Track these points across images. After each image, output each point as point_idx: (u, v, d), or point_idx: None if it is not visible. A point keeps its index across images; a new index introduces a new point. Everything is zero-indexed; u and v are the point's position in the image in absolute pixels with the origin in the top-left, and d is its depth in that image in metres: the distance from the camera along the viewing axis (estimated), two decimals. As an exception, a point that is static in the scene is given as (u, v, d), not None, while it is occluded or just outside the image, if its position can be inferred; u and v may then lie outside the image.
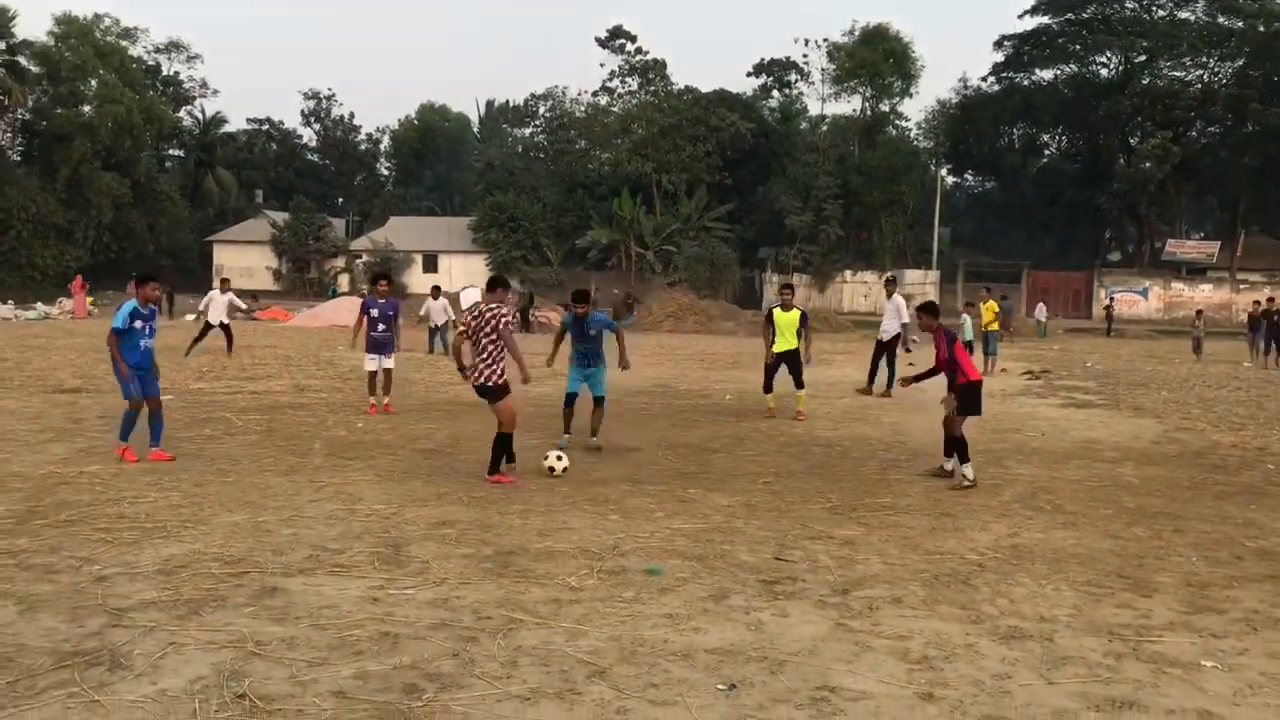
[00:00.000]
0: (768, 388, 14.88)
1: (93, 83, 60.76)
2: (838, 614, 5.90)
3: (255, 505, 8.31)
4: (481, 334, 9.37)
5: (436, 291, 26.17)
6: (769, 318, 14.85)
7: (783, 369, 14.67)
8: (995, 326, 24.36)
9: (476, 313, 9.52)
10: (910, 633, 5.60)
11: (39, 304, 43.99)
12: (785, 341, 14.63)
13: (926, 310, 10.78)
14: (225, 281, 25.16)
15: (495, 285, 9.83)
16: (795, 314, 14.69)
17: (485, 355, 9.37)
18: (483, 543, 7.27)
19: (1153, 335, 46.08)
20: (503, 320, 9.33)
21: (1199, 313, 33.78)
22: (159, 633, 5.31)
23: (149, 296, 10.43)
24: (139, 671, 4.79)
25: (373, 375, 14.22)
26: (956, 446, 10.00)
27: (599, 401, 11.67)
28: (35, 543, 6.95)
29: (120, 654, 4.99)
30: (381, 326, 14.17)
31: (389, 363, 14.27)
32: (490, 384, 9.39)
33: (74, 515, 7.76)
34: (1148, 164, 57.64)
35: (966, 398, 10.10)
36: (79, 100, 60.82)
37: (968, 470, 9.86)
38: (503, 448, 9.53)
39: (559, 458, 9.78)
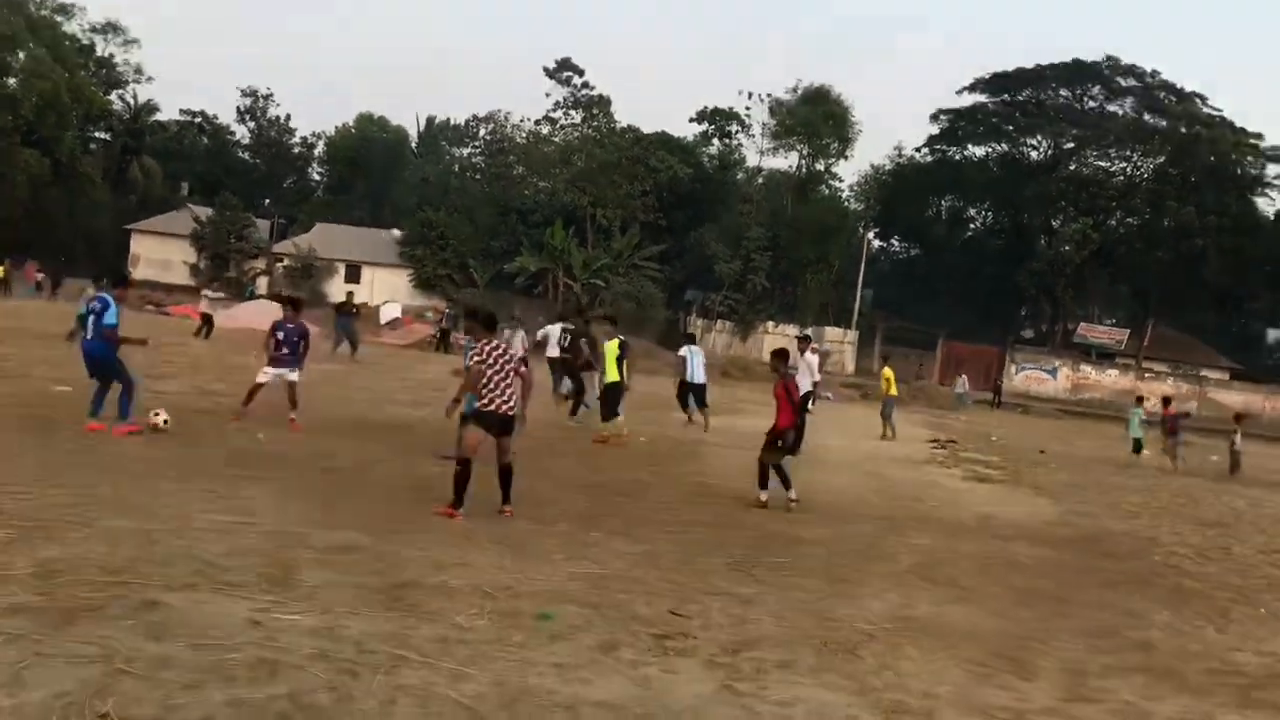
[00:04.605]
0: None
1: (20, 55, 59.10)
2: (725, 675, 5.89)
3: (145, 512, 8.06)
4: (508, 368, 9.62)
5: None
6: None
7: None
8: (894, 392, 24.59)
9: (497, 347, 9.76)
10: (795, 699, 5.61)
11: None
12: (611, 372, 16.47)
13: (777, 356, 12.66)
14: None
15: (494, 323, 10.24)
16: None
17: (510, 388, 9.65)
18: (376, 572, 7.14)
19: (1059, 415, 47.28)
20: (521, 359, 10.02)
21: (1238, 418, 25.25)
22: (24, 641, 5.11)
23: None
24: (-1, 682, 4.60)
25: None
26: (762, 472, 11.91)
27: None
28: (-96, 534, 6.67)
29: (-20, 662, 4.79)
30: (285, 350, 14.34)
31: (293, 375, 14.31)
32: (514, 415, 9.71)
33: (-51, 508, 7.46)
34: (1067, 247, 59.41)
35: (782, 438, 11.99)
36: (4, 71, 59.10)
37: (763, 495, 11.89)
38: (508, 481, 9.80)
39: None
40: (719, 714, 5.27)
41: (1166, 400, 27.30)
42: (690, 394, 20.06)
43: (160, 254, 63.08)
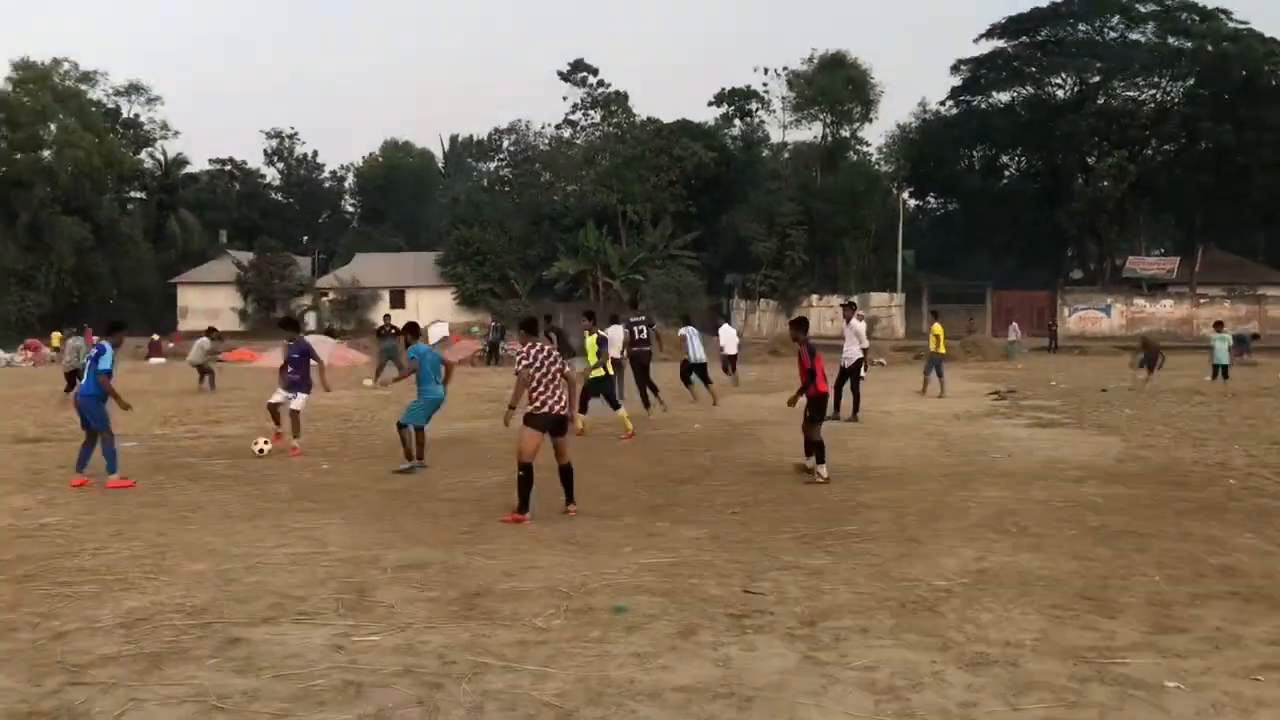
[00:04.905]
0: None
1: (51, 127, 60.47)
2: (805, 646, 5.89)
3: (219, 553, 8.21)
4: (554, 370, 9.65)
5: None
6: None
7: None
8: (943, 349, 24.31)
9: (541, 349, 9.75)
10: (877, 663, 5.60)
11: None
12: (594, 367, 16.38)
13: (796, 325, 12.62)
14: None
15: (536, 326, 10.35)
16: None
17: (560, 389, 9.65)
18: (449, 585, 7.22)
19: (1117, 351, 46.43)
20: (564, 360, 9.94)
21: None
22: (119, 689, 5.23)
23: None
24: (98, 731, 4.71)
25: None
26: (815, 449, 11.75)
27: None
28: (-8, 600, 6.85)
29: (79, 713, 4.92)
30: (290, 368, 14.76)
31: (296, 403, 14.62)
32: (566, 415, 9.75)
33: (33, 570, 7.65)
34: (1105, 183, 58.42)
35: (816, 406, 11.88)
36: (38, 145, 60.54)
37: (822, 469, 11.63)
38: (570, 480, 9.92)
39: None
40: (803, 685, 5.27)
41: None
42: (693, 372, 21.16)
43: (207, 303, 64.13)
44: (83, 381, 11.74)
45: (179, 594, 6.99)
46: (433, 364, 13.06)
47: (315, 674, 5.45)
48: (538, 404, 9.56)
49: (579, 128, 65.74)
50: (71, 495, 10.97)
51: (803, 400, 12.04)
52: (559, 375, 9.67)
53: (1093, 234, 64.34)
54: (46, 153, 60.59)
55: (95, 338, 52.82)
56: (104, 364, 11.47)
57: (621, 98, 63.99)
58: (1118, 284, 61.65)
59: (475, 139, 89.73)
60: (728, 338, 27.30)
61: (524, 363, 9.70)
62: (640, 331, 19.82)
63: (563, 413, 9.65)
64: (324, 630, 6.20)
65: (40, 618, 6.45)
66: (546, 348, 9.83)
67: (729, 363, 26.79)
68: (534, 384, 9.58)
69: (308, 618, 6.46)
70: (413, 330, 13.99)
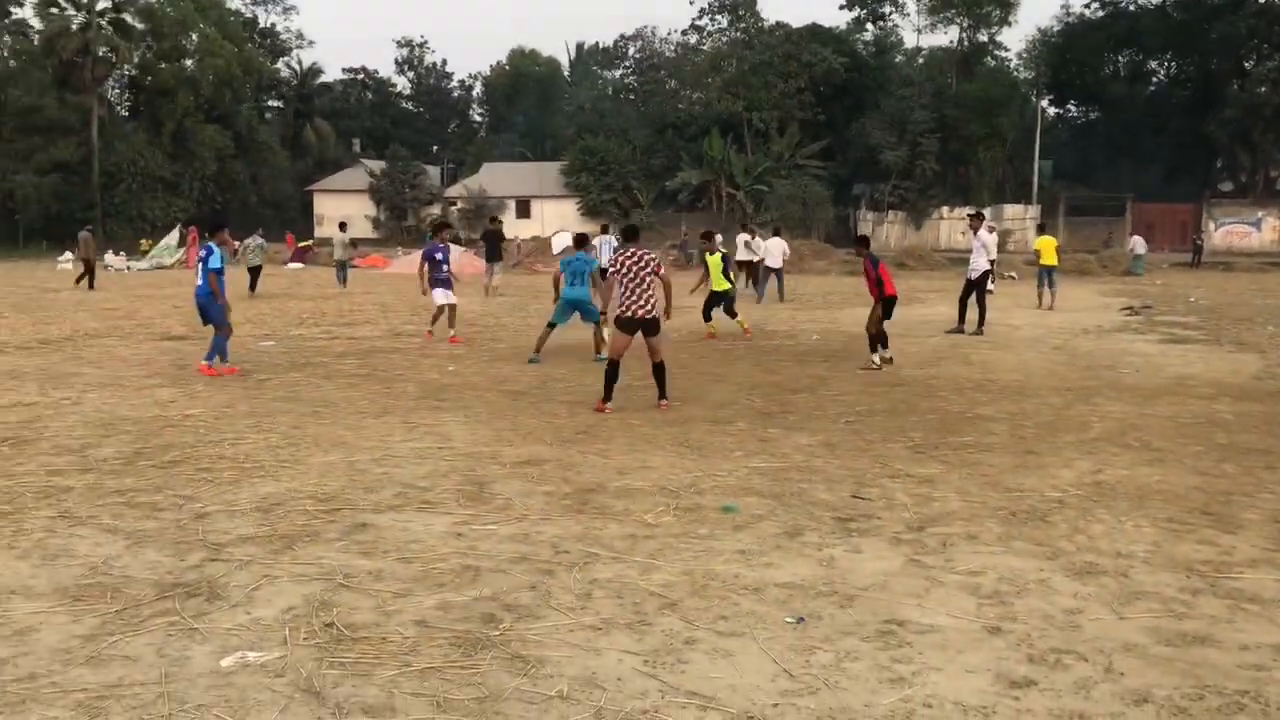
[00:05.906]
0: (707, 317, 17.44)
1: (193, 37, 62.26)
2: (911, 550, 5.93)
3: (349, 445, 8.62)
4: (643, 274, 10.09)
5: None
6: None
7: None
8: (1050, 261, 23.50)
9: (631, 255, 10.20)
10: (983, 568, 5.61)
11: (149, 240, 46.15)
12: (719, 282, 17.13)
13: (859, 241, 14.55)
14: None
15: (636, 234, 11.07)
16: (718, 257, 17.23)
17: (645, 293, 10.11)
18: (564, 480, 7.45)
19: (1264, 268, 44.24)
20: (658, 263, 10.32)
21: None
22: (254, 566, 5.60)
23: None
24: (235, 602, 5.07)
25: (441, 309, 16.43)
26: (871, 340, 13.43)
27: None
28: (142, 482, 7.34)
29: (218, 585, 5.28)
30: (447, 269, 16.27)
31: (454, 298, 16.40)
32: (653, 318, 10.17)
33: (178, 456, 8.15)
34: (1263, 88, 55.00)
35: (886, 307, 13.41)
36: (181, 55, 62.43)
37: (875, 357, 13.34)
38: (662, 377, 10.44)
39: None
40: (905, 586, 5.33)
41: None
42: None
43: (341, 211, 65.44)
44: (199, 283, 12.50)
45: (311, 482, 7.38)
46: (576, 270, 13.95)
47: (435, 558, 5.73)
48: (622, 308, 10.15)
49: (705, 33, 64.59)
50: (214, 389, 11.58)
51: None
52: (647, 279, 10.11)
53: (1245, 144, 60.75)
54: (189, 62, 62.51)
55: (235, 243, 54.99)
56: (214, 263, 12.38)
57: (749, 2, 62.51)
58: (1271, 196, 58.38)
59: (601, 46, 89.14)
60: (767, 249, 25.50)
61: (610, 272, 10.31)
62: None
63: (646, 316, 10.09)
64: (445, 519, 6.50)
65: (184, 499, 6.90)
66: (637, 253, 10.24)
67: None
68: (622, 289, 10.11)
69: (430, 507, 6.77)
70: (578, 241, 14.86)
